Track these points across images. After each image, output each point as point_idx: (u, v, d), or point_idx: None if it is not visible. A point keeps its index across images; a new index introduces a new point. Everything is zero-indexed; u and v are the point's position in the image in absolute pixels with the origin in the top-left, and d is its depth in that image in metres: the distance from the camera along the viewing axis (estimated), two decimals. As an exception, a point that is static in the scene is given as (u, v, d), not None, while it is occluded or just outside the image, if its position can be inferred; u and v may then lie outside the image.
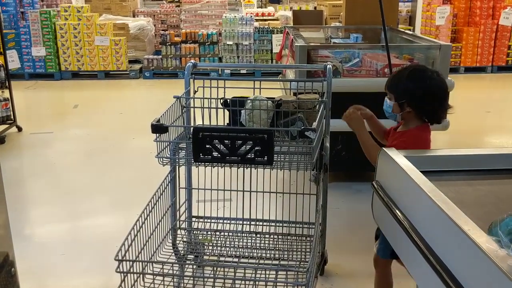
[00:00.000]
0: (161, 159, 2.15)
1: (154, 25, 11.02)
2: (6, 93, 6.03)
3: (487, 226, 1.50)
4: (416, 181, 1.66)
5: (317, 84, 2.80)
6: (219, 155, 1.96)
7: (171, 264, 1.86)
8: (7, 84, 6.01)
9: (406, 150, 2.03)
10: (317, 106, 2.46)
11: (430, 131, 2.45)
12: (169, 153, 2.22)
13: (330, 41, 5.72)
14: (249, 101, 2.47)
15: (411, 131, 2.38)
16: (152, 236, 2.16)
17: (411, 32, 5.92)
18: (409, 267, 1.72)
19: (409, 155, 1.92)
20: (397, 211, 1.76)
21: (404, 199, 1.77)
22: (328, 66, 2.75)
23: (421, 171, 1.76)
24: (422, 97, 2.30)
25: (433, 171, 1.91)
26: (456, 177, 1.95)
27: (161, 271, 1.82)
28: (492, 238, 1.28)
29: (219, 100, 2.53)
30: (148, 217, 2.13)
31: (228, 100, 2.51)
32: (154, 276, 1.84)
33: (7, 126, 5.93)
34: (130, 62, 9.67)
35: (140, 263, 1.75)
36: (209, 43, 9.23)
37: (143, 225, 2.03)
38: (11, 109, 6.03)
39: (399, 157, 1.88)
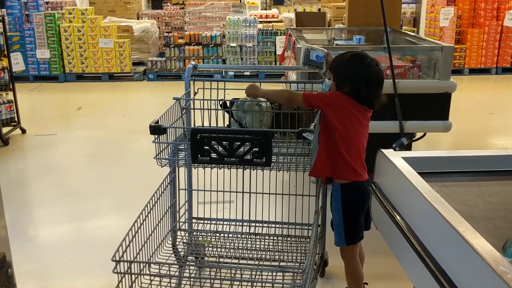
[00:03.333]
0: (160, 160, 2.15)
1: (158, 27, 11.05)
2: (10, 95, 6.07)
3: (484, 227, 1.49)
4: (413, 183, 1.66)
5: (318, 86, 2.80)
6: (217, 156, 1.97)
7: (168, 265, 1.86)
8: (11, 86, 6.04)
9: (405, 152, 2.03)
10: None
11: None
12: (168, 154, 2.22)
13: (333, 43, 5.71)
14: (239, 102, 2.52)
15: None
16: (150, 237, 2.17)
17: (413, 34, 5.90)
18: (406, 268, 1.72)
19: (407, 157, 1.92)
20: (394, 212, 1.76)
21: (401, 201, 1.77)
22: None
23: (418, 173, 1.76)
24: (360, 82, 2.37)
25: (431, 172, 1.91)
26: (455, 179, 1.94)
27: (159, 272, 1.82)
28: (507, 260, 1.23)
29: (218, 101, 2.54)
30: (147, 218, 2.13)
31: (227, 102, 2.52)
32: (151, 277, 1.85)
33: (11, 128, 5.96)
34: (134, 64, 9.70)
35: (138, 264, 1.75)
36: (212, 45, 9.25)
37: (141, 226, 2.03)
38: (15, 111, 6.06)
39: (397, 159, 1.88)
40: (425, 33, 10.01)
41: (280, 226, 2.89)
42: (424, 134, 4.12)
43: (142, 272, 1.76)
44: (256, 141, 1.89)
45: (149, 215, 2.16)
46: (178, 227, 2.76)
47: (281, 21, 10.35)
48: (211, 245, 2.83)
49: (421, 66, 4.20)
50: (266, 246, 2.80)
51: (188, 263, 2.70)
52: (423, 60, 4.32)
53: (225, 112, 2.62)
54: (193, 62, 2.91)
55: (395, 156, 1.91)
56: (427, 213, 1.53)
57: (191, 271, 2.60)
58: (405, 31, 5.74)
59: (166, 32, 10.69)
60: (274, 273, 1.77)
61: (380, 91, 2.44)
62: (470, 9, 9.44)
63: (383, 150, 1.96)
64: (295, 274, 1.88)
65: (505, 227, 1.57)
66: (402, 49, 4.70)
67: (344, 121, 2.38)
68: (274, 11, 11.42)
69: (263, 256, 2.72)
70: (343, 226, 2.49)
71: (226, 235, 2.86)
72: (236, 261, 2.67)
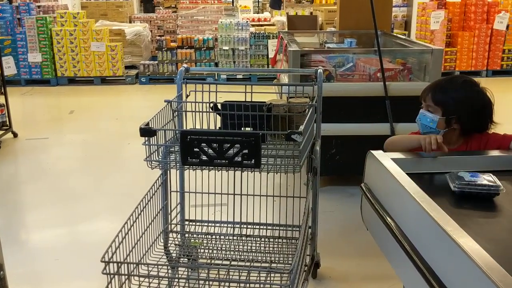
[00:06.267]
0: (150, 162, 2.16)
1: (151, 31, 11.05)
2: (2, 99, 6.04)
3: (472, 228, 1.51)
4: (402, 184, 1.68)
5: (309, 89, 2.82)
6: (207, 159, 1.97)
7: (157, 267, 1.86)
8: (2, 90, 6.02)
9: (394, 153, 2.04)
10: (307, 110, 2.48)
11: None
12: (158, 157, 2.23)
13: (325, 46, 5.74)
14: None
15: (493, 135, 2.19)
16: (141, 239, 2.17)
17: (404, 37, 5.95)
18: (396, 268, 1.73)
19: (397, 158, 1.94)
20: (384, 213, 1.77)
21: (391, 202, 1.79)
22: (318, 70, 2.77)
23: (407, 174, 1.78)
24: (478, 111, 2.17)
25: (420, 173, 1.93)
26: (445, 180, 1.96)
27: (148, 273, 1.82)
28: None
29: (209, 104, 2.55)
30: (137, 220, 2.13)
31: (218, 105, 2.53)
32: (141, 279, 1.85)
33: (2, 132, 5.93)
34: (126, 67, 9.68)
35: (127, 265, 1.76)
36: (205, 48, 9.26)
37: (132, 228, 2.04)
38: (6, 115, 6.04)
39: (385, 160, 1.90)
40: (416, 36, 10.08)
41: (272, 228, 2.90)
42: (415, 136, 4.15)
43: (131, 274, 1.76)
44: (246, 143, 1.89)
45: (139, 216, 2.16)
46: (170, 229, 2.76)
47: (273, 25, 10.39)
48: (203, 247, 2.83)
49: (411, 69, 4.24)
50: (258, 248, 2.80)
51: (178, 264, 2.70)
52: (414, 62, 4.36)
53: (217, 115, 2.63)
54: (185, 65, 2.92)
55: (385, 157, 1.92)
56: (415, 213, 1.54)
57: (181, 272, 2.61)
58: (396, 34, 5.78)
59: (159, 36, 10.69)
60: (262, 274, 1.78)
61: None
62: (461, 13, 9.51)
63: (373, 152, 1.97)
64: (283, 275, 1.89)
65: (493, 228, 1.58)
66: (393, 52, 4.74)
67: None
68: (266, 14, 11.48)
69: (255, 257, 2.73)
70: None
71: (218, 237, 2.87)
72: (227, 262, 2.68)
